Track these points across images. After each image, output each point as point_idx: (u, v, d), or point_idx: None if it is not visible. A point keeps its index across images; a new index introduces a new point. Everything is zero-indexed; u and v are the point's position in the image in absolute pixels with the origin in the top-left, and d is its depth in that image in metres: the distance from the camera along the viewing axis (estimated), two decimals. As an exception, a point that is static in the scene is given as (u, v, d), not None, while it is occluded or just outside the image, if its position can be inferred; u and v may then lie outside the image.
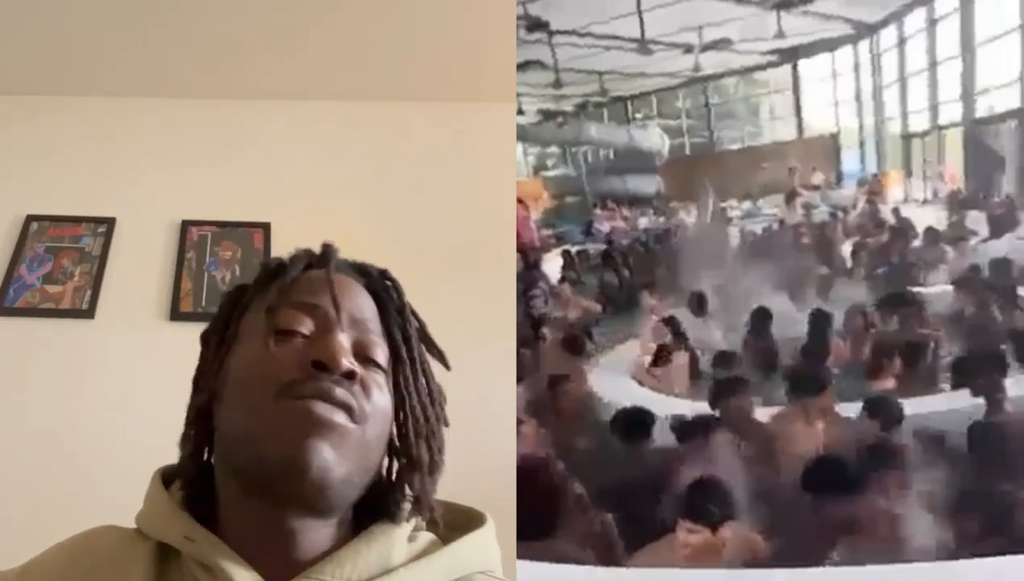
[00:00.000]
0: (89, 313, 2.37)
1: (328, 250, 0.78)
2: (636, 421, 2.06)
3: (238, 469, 0.69)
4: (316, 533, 0.69)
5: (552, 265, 3.96)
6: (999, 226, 3.62)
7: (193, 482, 0.74)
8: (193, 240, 2.50)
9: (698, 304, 3.08)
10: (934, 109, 4.31)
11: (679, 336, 2.80)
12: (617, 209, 4.96)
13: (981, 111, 4.01)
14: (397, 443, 0.75)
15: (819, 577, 1.46)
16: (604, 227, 4.73)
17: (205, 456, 0.75)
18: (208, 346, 0.77)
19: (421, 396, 0.76)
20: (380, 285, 0.79)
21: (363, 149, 2.71)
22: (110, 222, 2.54)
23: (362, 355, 0.72)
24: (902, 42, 4.45)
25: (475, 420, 2.23)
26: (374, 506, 0.74)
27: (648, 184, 5.03)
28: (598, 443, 2.16)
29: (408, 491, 0.74)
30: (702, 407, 2.14)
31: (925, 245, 3.70)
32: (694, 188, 4.54)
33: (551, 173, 5.19)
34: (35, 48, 2.59)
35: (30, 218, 2.55)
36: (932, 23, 4.17)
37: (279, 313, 0.71)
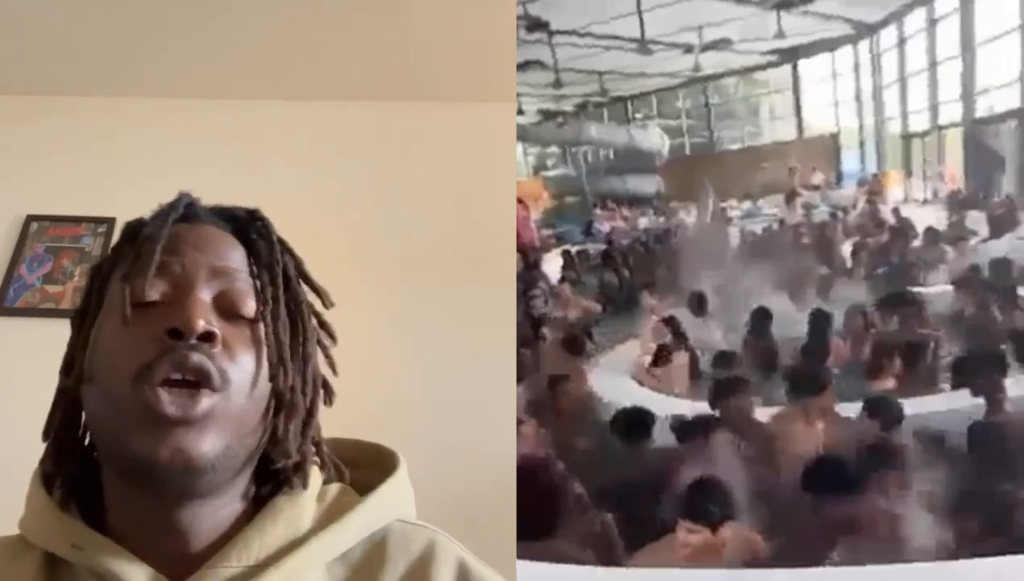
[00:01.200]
0: (89, 313, 2.37)
1: (181, 199, 0.74)
2: (636, 421, 2.05)
3: (110, 459, 0.66)
4: (211, 517, 0.66)
5: (552, 265, 3.95)
6: (999, 226, 3.62)
7: (75, 477, 0.69)
8: (193, 240, 2.50)
9: (698, 304, 3.07)
10: (934, 109, 4.30)
11: (679, 336, 2.80)
12: (617, 209, 4.95)
13: (981, 111, 4.01)
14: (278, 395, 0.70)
15: (819, 577, 1.46)
16: (604, 227, 4.73)
17: (86, 446, 0.71)
18: (75, 325, 0.72)
19: (288, 338, 0.70)
20: (251, 227, 0.74)
21: (363, 149, 2.71)
22: (110, 222, 2.54)
23: (228, 310, 0.67)
24: (902, 42, 4.44)
25: (475, 420, 2.25)
26: (273, 469, 0.69)
27: (648, 184, 5.03)
28: (598, 443, 2.16)
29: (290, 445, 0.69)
30: (702, 407, 2.14)
31: (925, 245, 3.69)
32: (694, 188, 4.54)
33: (551, 173, 5.19)
34: (35, 48, 2.59)
35: (30, 218, 2.55)
36: (932, 23, 4.16)
37: (135, 281, 0.66)
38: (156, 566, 0.63)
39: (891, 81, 4.60)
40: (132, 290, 0.66)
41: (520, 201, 3.63)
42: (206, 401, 0.62)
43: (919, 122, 4.45)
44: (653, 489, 1.72)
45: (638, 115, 5.32)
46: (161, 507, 0.64)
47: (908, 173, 4.59)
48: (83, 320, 0.71)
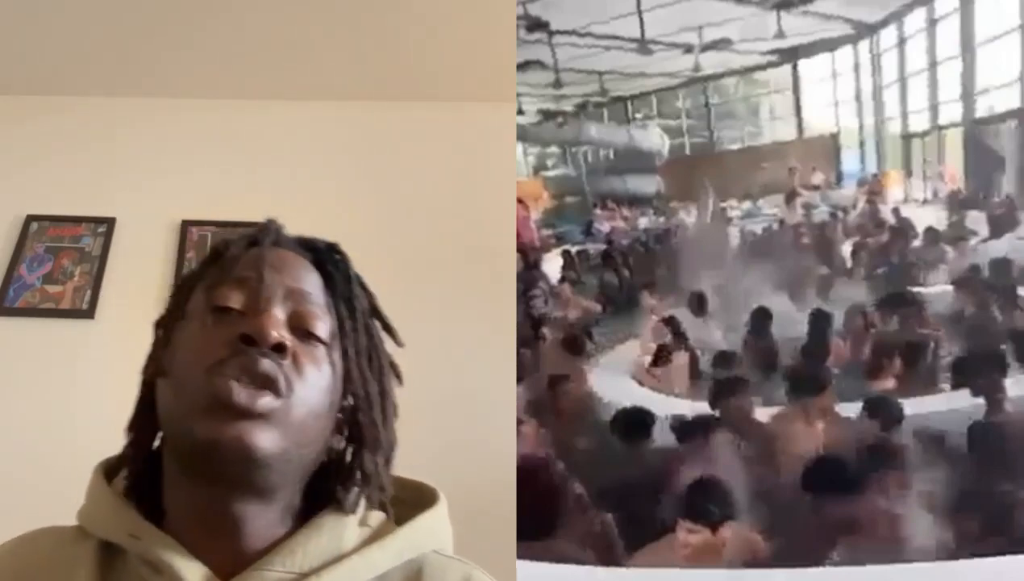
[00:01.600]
0: (89, 313, 2.37)
1: (268, 226, 0.78)
2: (636, 421, 2.06)
3: (175, 448, 0.69)
4: (263, 520, 0.68)
5: (552, 265, 3.96)
6: (999, 226, 3.62)
7: (139, 471, 0.73)
8: (193, 240, 2.50)
9: (698, 304, 3.08)
10: (934, 109, 4.31)
11: (679, 336, 2.80)
12: (617, 209, 4.96)
13: (981, 111, 4.01)
14: (345, 419, 0.74)
15: (819, 577, 1.46)
16: (604, 227, 4.73)
17: (153, 444, 0.74)
18: (158, 329, 0.77)
19: (365, 370, 0.75)
20: (328, 258, 0.78)
21: (363, 149, 2.71)
22: (110, 222, 2.54)
23: (300, 328, 0.71)
24: (902, 42, 4.45)
25: (475, 420, 2.25)
26: (324, 491, 0.73)
27: (648, 184, 5.03)
28: (598, 443, 2.16)
29: (358, 471, 0.73)
30: (702, 407, 2.14)
31: (925, 245, 3.70)
32: (694, 188, 4.54)
33: (551, 173, 5.19)
34: (35, 48, 2.59)
35: (30, 218, 2.55)
36: (932, 23, 4.17)
37: (216, 290, 0.71)
38: (206, 562, 0.66)
39: (891, 81, 4.60)
40: (213, 297, 0.71)
41: (520, 201, 3.63)
42: (269, 400, 0.65)
43: (919, 122, 4.45)
44: (653, 489, 1.73)
45: (638, 115, 5.33)
46: (218, 499, 0.67)
47: (908, 173, 4.60)
48: (166, 327, 0.76)
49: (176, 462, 0.70)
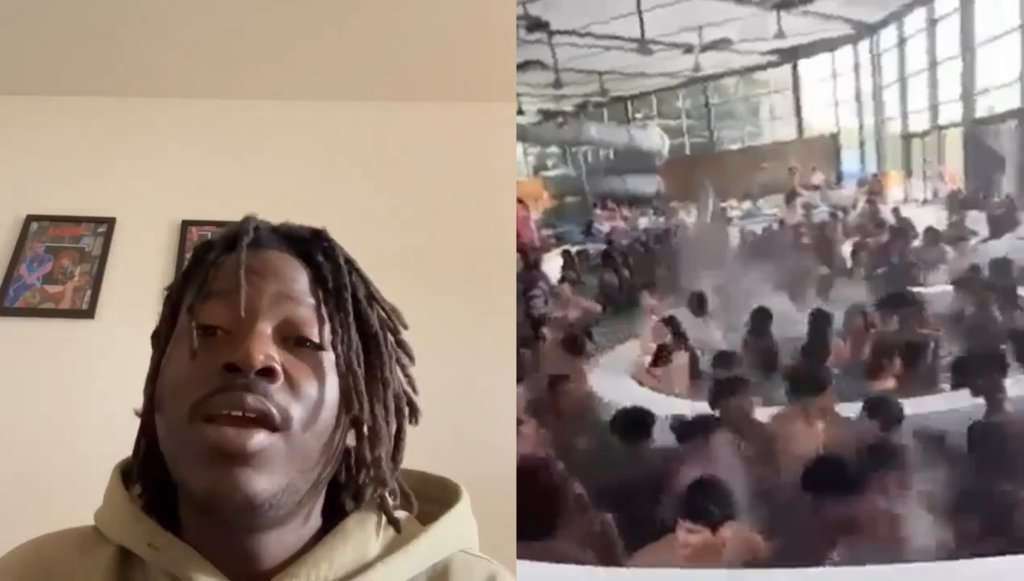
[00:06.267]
0: (89, 313, 2.37)
1: (246, 224, 0.71)
2: (636, 421, 2.05)
3: (178, 483, 0.66)
4: (281, 539, 0.66)
5: (552, 265, 3.96)
6: (999, 226, 3.63)
7: (155, 491, 0.70)
8: (193, 240, 2.50)
9: (698, 304, 3.07)
10: (934, 109, 4.31)
11: (679, 336, 2.80)
12: (617, 209, 4.96)
13: (981, 111, 4.01)
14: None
15: (819, 577, 1.46)
16: (604, 227, 4.74)
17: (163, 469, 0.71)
18: (154, 346, 0.72)
19: (355, 366, 0.68)
20: (317, 250, 0.71)
21: (363, 149, 2.71)
22: (110, 222, 2.54)
23: (292, 336, 0.66)
24: (902, 42, 4.45)
25: (475, 420, 2.25)
26: (341, 497, 0.72)
27: (648, 184, 5.04)
28: (598, 443, 2.16)
29: (362, 466, 0.69)
30: (702, 407, 2.14)
31: (925, 245, 3.70)
32: (694, 188, 4.55)
33: (551, 173, 5.19)
34: (35, 48, 2.59)
35: (30, 218, 2.55)
36: (932, 23, 4.17)
37: (199, 309, 0.66)
38: (226, 573, 0.64)
39: (891, 81, 4.61)
40: (196, 316, 0.65)
41: (520, 201, 3.63)
42: (263, 437, 0.61)
43: (919, 122, 4.45)
44: (653, 489, 1.72)
45: (638, 115, 5.33)
46: (230, 534, 0.64)
47: (908, 173, 4.60)
48: (157, 344, 0.71)
49: (185, 496, 0.67)
